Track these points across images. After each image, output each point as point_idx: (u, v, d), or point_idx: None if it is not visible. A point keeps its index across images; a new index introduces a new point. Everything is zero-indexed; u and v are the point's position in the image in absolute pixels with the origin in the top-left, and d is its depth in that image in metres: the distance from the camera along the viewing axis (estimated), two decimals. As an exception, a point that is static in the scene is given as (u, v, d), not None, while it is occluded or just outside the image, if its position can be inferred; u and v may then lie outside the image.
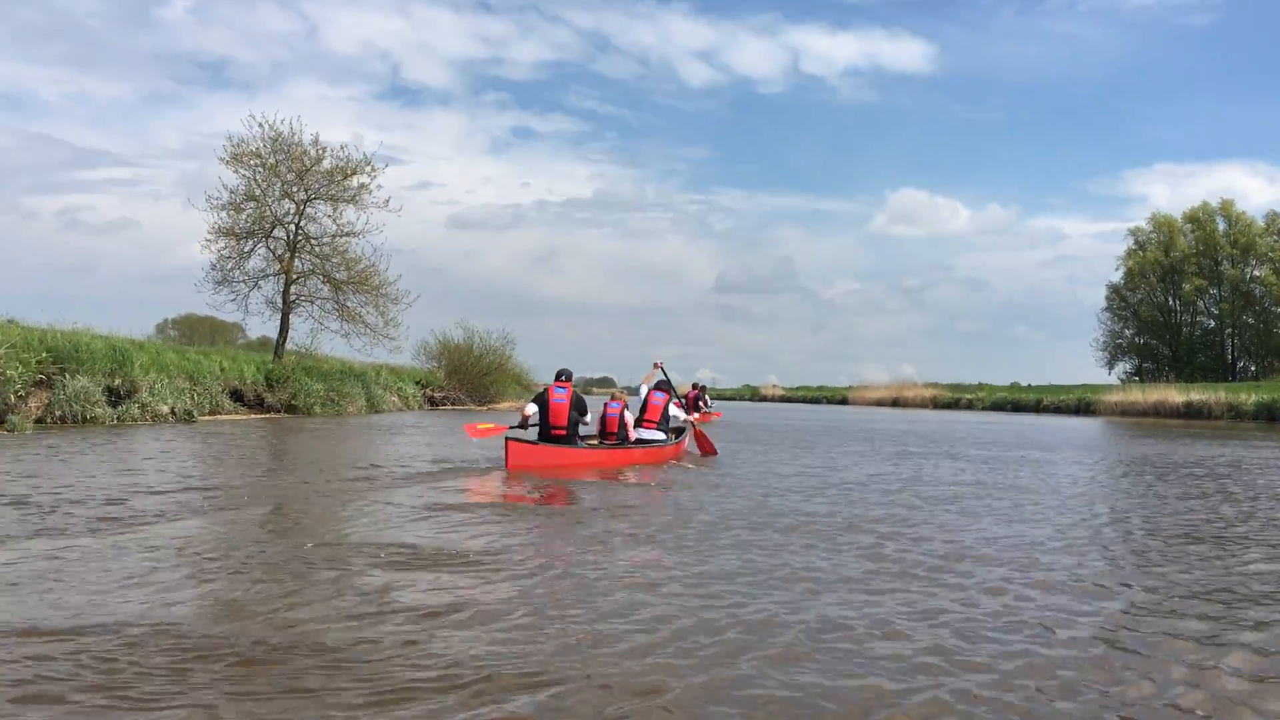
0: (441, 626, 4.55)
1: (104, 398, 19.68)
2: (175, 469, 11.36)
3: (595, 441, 13.90)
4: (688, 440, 15.42)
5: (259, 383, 26.44)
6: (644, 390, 15.16)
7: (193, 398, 23.48)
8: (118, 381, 20.35)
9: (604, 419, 14.06)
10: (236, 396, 25.78)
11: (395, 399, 33.44)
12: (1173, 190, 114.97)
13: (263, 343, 39.42)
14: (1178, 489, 11.98)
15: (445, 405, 37.70)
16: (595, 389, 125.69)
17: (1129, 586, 5.97)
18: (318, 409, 27.00)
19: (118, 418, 19.83)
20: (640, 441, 14.01)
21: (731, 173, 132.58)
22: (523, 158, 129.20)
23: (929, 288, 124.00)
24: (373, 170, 29.23)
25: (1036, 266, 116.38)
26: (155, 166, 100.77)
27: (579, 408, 12.71)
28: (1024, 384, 71.41)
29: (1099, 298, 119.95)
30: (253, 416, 24.96)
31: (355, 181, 29.47)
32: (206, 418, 23.04)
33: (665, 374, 15.68)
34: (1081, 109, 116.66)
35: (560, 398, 12.67)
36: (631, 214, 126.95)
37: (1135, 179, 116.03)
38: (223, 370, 25.44)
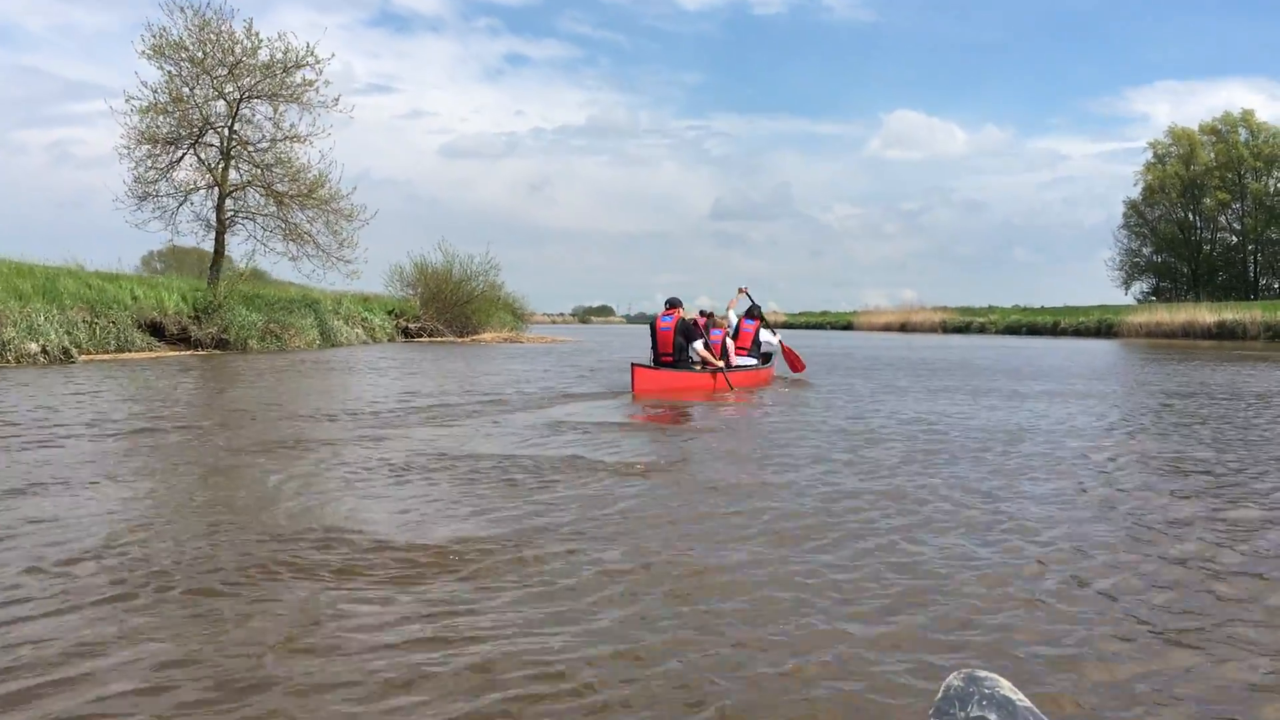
0: None
1: (-59, 334, 14.69)
2: None
3: (699, 366, 13.00)
4: (776, 364, 15.11)
5: (183, 313, 21.39)
6: (732, 316, 14.98)
7: (93, 332, 18.52)
8: (-33, 314, 15.33)
9: (707, 345, 13.27)
10: (157, 330, 20.78)
11: (359, 330, 28.31)
12: (1175, 108, 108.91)
13: (252, 273, 34.08)
14: None
15: (422, 337, 32.66)
16: (594, 318, 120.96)
17: None
18: (254, 343, 21.95)
19: (-38, 359, 14.85)
20: (739, 367, 13.74)
21: (727, 97, 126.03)
22: (516, 85, 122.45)
23: (926, 211, 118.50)
24: (317, 62, 23.74)
25: (1035, 188, 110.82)
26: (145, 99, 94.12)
27: (685, 334, 12.60)
28: (1025, 306, 66.04)
29: (1099, 219, 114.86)
30: (171, 354, 19.93)
31: (298, 77, 24.04)
32: (104, 357, 18.04)
33: (751, 298, 15.26)
34: (1082, 26, 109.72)
35: (666, 326, 12.70)
36: (626, 141, 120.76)
37: (1137, 97, 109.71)
38: (135, 299, 20.38)
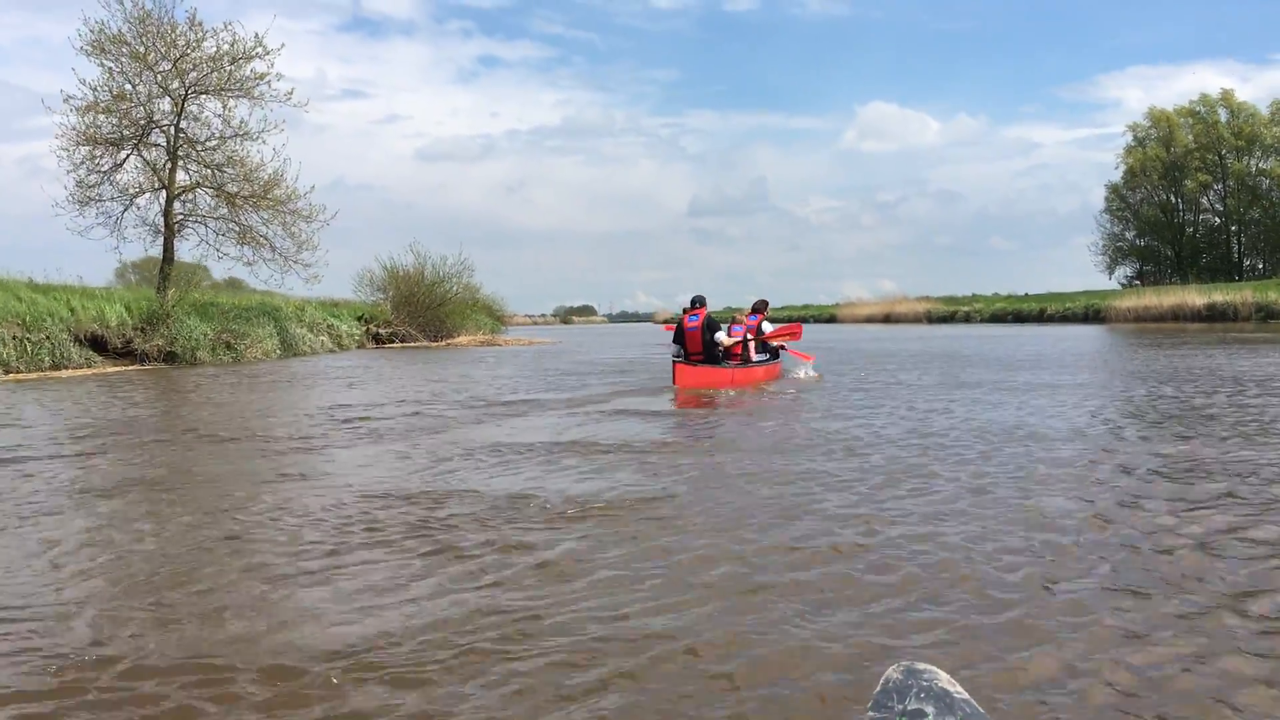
0: None
1: None
2: None
3: (729, 360, 13.24)
4: (783, 360, 15.07)
5: (128, 325, 19.71)
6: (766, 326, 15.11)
7: (25, 348, 16.89)
8: None
9: (744, 340, 13.63)
10: (99, 345, 19.12)
11: (325, 338, 26.63)
12: (1146, 93, 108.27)
13: (230, 284, 32.47)
14: None
15: (394, 343, 31.02)
16: (576, 318, 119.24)
17: None
18: (205, 355, 20.29)
19: None
20: (758, 362, 13.89)
21: (702, 94, 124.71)
22: (490, 87, 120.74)
23: (903, 203, 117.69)
24: (265, 51, 22.07)
25: (1010, 176, 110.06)
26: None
27: (711, 329, 12.84)
28: (1009, 294, 64.87)
29: (1074, 206, 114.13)
30: (111, 369, 18.25)
31: (249, 69, 22.37)
32: (34, 375, 16.37)
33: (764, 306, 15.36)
34: (1053, 12, 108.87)
35: (693, 325, 12.91)
36: (602, 140, 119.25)
37: (1109, 82, 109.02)
38: (72, 312, 18.70)
